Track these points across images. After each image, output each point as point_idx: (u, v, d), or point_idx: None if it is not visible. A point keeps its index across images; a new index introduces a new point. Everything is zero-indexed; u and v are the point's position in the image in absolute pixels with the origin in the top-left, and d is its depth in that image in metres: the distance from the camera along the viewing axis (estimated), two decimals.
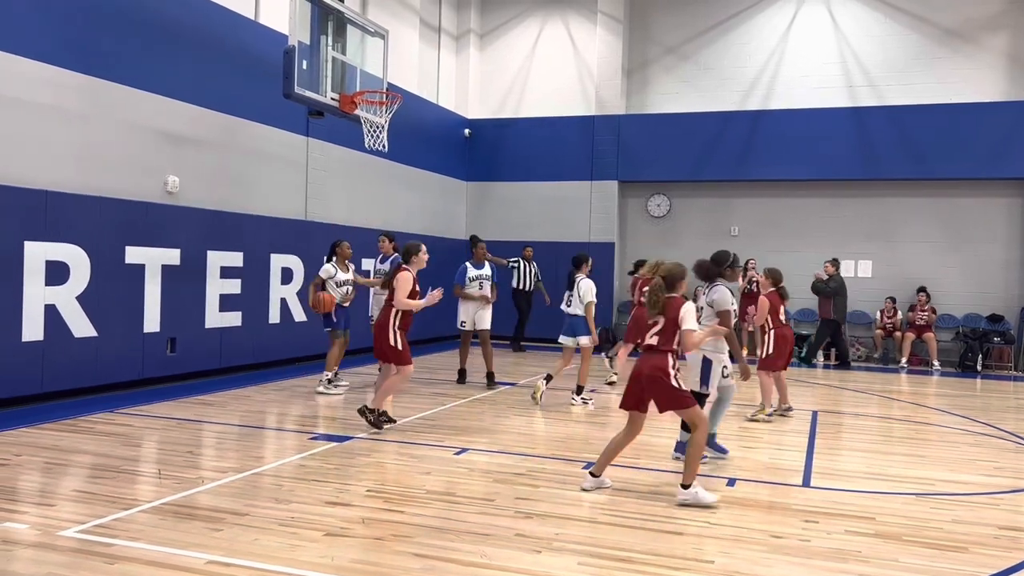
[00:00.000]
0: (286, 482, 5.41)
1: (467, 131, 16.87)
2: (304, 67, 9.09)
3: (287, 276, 11.37)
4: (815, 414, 8.86)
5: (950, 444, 7.56)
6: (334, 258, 9.37)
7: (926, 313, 13.97)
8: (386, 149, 10.46)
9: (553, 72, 16.82)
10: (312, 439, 6.83)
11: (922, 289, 14.18)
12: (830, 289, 13.64)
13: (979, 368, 13.54)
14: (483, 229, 16.85)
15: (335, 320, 9.29)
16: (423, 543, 4.29)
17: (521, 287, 14.44)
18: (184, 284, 9.50)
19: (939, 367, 13.65)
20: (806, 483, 5.89)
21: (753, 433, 7.87)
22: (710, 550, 4.32)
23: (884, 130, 14.52)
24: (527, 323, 14.68)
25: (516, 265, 14.42)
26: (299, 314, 11.58)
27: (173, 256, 9.40)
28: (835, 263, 13.95)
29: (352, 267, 9.61)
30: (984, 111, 14.03)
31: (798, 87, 15.33)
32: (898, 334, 14.16)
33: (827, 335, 13.85)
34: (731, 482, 5.78)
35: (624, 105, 16.28)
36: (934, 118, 14.21)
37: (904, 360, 13.90)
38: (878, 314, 14.51)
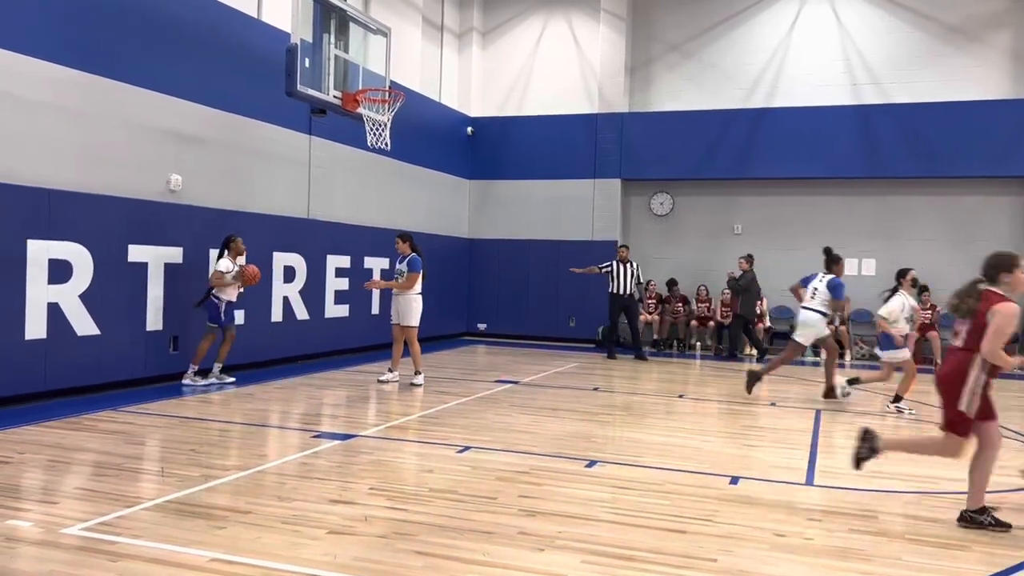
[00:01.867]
0: (289, 480, 5.41)
1: (470, 129, 16.87)
2: (306, 65, 9.10)
3: (289, 275, 11.38)
4: (819, 412, 8.85)
5: None
6: (227, 252, 9.33)
7: (930, 312, 13.95)
8: (389, 147, 10.46)
9: (556, 70, 16.81)
10: (315, 437, 6.83)
11: (925, 288, 14.15)
12: (739, 286, 14.05)
13: None
14: (486, 227, 16.87)
15: (222, 316, 9.27)
16: (426, 541, 4.29)
17: (619, 291, 13.67)
18: (187, 282, 9.51)
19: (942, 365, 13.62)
20: (809, 481, 5.88)
21: (757, 431, 7.86)
22: (712, 548, 4.32)
23: (888, 128, 14.49)
24: (639, 330, 14.11)
25: (609, 269, 13.72)
26: (302, 312, 11.59)
27: (176, 254, 9.41)
28: (749, 259, 14.18)
29: (241, 261, 9.47)
30: (988, 109, 13.99)
31: (802, 85, 15.30)
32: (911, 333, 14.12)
33: (739, 331, 14.37)
34: (734, 480, 5.77)
35: (627, 103, 16.26)
36: (938, 116, 14.18)
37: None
38: None
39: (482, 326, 16.53)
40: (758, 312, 14.75)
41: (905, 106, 14.46)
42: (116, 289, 8.64)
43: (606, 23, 16.10)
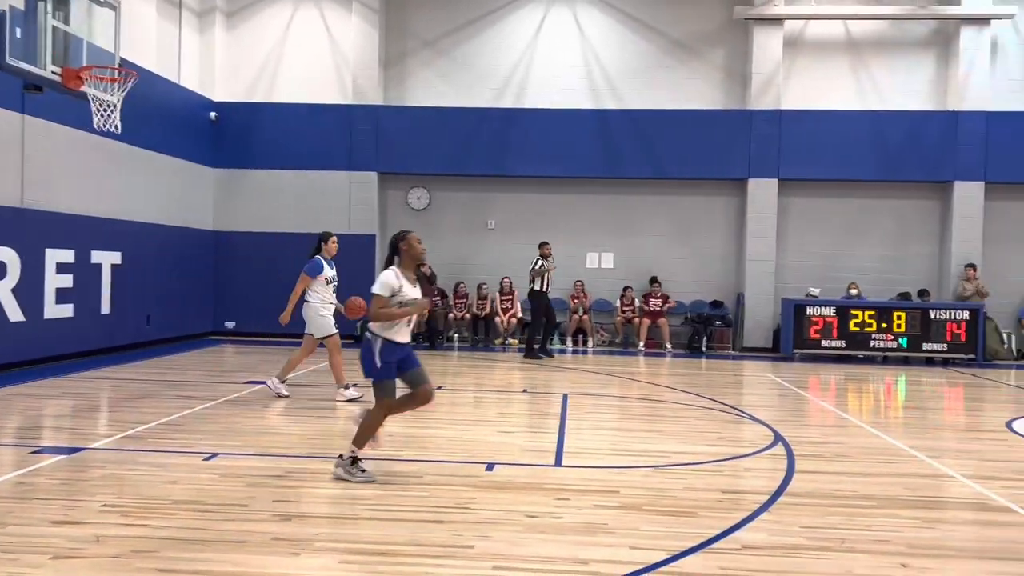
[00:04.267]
0: (2, 503, 4.76)
1: (213, 115, 15.87)
2: (18, 35, 8.05)
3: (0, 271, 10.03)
4: (566, 396, 9.38)
5: (681, 419, 8.33)
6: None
7: (659, 300, 15.33)
8: (119, 130, 9.54)
9: (308, 58, 16.27)
10: (34, 453, 6.08)
11: (655, 279, 15.54)
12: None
13: (704, 349, 15.10)
14: (233, 219, 15.98)
15: None
16: (168, 556, 3.97)
17: (544, 288, 13.53)
18: None
19: (671, 349, 15.04)
20: (558, 463, 6.20)
21: (511, 418, 8.16)
22: (469, 535, 4.41)
23: (624, 132, 15.67)
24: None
25: (543, 267, 13.46)
26: (15, 313, 10.26)
27: None
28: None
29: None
30: (707, 118, 15.61)
31: (548, 87, 16.09)
32: (637, 320, 15.38)
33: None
34: (490, 467, 5.94)
35: (382, 96, 16.16)
36: (666, 122, 15.57)
37: (642, 344, 15.16)
38: (619, 302, 15.67)
39: (230, 324, 15.65)
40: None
41: (638, 112, 15.72)
42: None
43: (359, 14, 15.86)
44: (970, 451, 7.08)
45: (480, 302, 15.52)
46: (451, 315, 15.62)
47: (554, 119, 15.73)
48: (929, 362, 14.03)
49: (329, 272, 8.75)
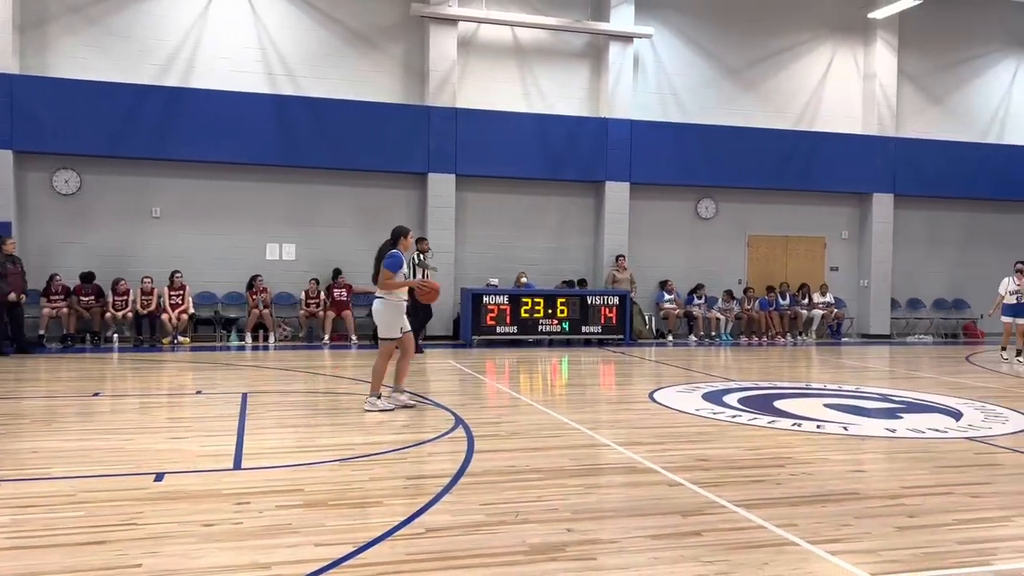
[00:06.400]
0: None
1: None
2: None
3: None
4: (245, 396, 8.93)
5: (367, 410, 8.34)
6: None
7: (343, 292, 15.21)
8: None
9: None
10: None
11: (339, 271, 15.39)
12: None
13: None
14: None
15: None
16: None
17: None
18: None
19: (357, 341, 15.01)
20: (237, 466, 5.88)
21: (183, 423, 7.57)
22: (136, 553, 4.00)
23: (303, 119, 15.27)
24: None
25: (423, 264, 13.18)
26: None
27: None
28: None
29: None
30: (387, 111, 15.76)
31: (219, 68, 15.13)
32: (321, 313, 15.11)
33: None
34: (159, 477, 5.45)
35: (17, 64, 14.05)
36: (347, 112, 15.44)
37: (327, 337, 14.93)
38: (302, 295, 15.27)
39: None
40: None
41: (318, 100, 15.41)
42: None
43: None
44: (621, 421, 7.97)
45: (144, 298, 14.16)
46: (107, 314, 14.04)
47: (227, 101, 14.85)
48: (587, 343, 15.57)
49: None
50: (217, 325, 14.96)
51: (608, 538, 4.38)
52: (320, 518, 4.63)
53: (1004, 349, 14.12)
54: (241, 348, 14.11)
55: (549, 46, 16.89)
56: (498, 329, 14.93)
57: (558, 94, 16.95)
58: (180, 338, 14.23)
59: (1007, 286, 13.95)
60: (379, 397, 8.12)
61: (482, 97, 16.44)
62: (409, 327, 8.38)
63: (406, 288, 8.28)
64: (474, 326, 14.94)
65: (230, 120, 14.81)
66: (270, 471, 5.72)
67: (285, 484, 5.34)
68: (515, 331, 14.99)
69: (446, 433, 7.07)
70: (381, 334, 8.21)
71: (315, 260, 15.67)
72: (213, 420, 7.65)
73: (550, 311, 15.20)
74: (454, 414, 7.93)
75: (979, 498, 5.30)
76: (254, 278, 14.90)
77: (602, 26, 16.71)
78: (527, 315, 15.09)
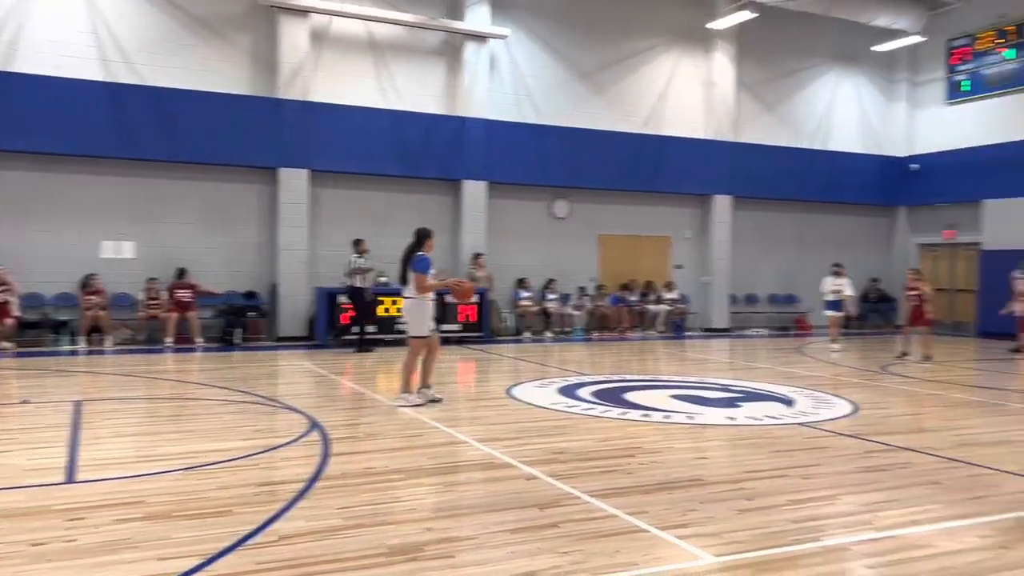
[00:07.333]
0: None
1: None
2: None
3: None
4: (78, 404, 8.31)
5: (214, 415, 7.98)
6: None
7: (187, 292, 14.45)
8: None
9: None
10: None
11: (183, 270, 14.60)
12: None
13: (238, 341, 14.64)
14: None
15: None
16: None
17: (367, 284, 14.17)
18: None
19: (203, 343, 14.30)
20: (70, 479, 5.47)
21: (7, 435, 6.96)
22: None
23: (142, 110, 14.38)
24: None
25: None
26: None
27: None
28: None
29: None
30: (235, 103, 15.11)
31: (46, 53, 13.98)
32: (163, 314, 14.30)
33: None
34: None
35: None
36: (191, 103, 14.67)
37: (170, 339, 14.14)
38: (142, 295, 14.39)
39: None
40: None
41: (159, 90, 14.54)
42: None
43: None
44: (479, 417, 8.03)
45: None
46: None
47: (55, 88, 13.76)
48: (447, 341, 15.55)
49: None
50: (47, 329, 13.85)
51: (467, 535, 4.39)
52: (164, 531, 4.38)
53: (833, 340, 15.38)
54: (74, 353, 13.13)
55: (405, 43, 16.75)
56: (354, 329, 14.66)
57: (415, 91, 16.83)
58: (3, 344, 13.04)
59: (828, 285, 15.46)
60: (409, 393, 8.46)
61: (337, 92, 16.07)
62: (434, 326, 8.73)
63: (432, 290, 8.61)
64: (330, 326, 14.59)
65: (59, 108, 13.73)
66: (107, 483, 5.36)
67: (124, 496, 5.02)
68: (374, 330, 14.77)
69: (300, 437, 6.88)
70: (412, 332, 8.51)
71: (157, 258, 14.79)
72: (42, 431, 7.08)
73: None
74: (309, 417, 7.72)
75: (810, 479, 5.71)
76: (88, 277, 13.90)
77: (457, 25, 16.74)
78: (385, 313, 14.91)
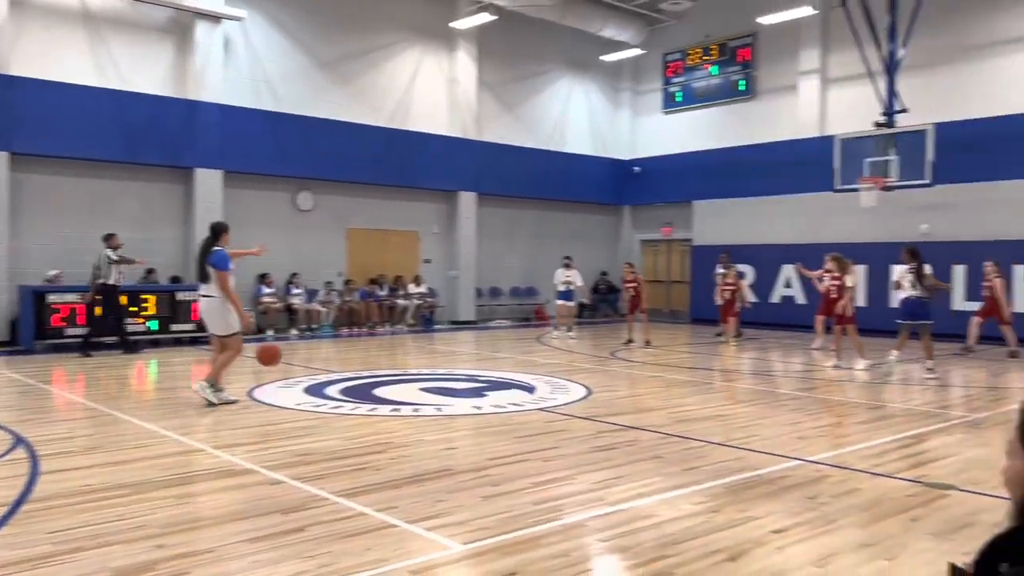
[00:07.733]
0: None
1: None
2: None
3: None
4: None
5: None
6: None
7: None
8: None
9: None
10: None
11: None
12: None
13: None
14: None
15: None
16: None
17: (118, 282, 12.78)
18: None
19: None
20: None
21: None
22: None
23: None
24: None
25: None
26: None
27: None
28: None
29: None
30: None
31: None
32: None
33: None
34: None
35: None
36: None
37: None
38: None
39: None
40: None
41: None
42: None
43: None
44: (217, 423, 7.53)
45: None
46: None
47: None
48: (178, 343, 14.47)
49: None
50: None
51: (204, 548, 4.09)
52: None
53: (568, 328, 16.42)
54: None
55: (126, 17, 15.28)
56: (68, 331, 13.15)
57: (138, 70, 15.42)
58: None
59: (559, 277, 16.59)
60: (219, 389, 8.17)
61: (44, 66, 14.30)
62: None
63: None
64: (37, 329, 12.98)
65: None
66: None
67: None
68: (90, 332, 13.34)
69: (2, 455, 6.03)
70: (222, 331, 8.14)
71: None
72: None
73: (135, 308, 13.82)
74: (12, 432, 6.79)
75: (549, 461, 6.01)
76: None
77: (186, 2, 15.58)
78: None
